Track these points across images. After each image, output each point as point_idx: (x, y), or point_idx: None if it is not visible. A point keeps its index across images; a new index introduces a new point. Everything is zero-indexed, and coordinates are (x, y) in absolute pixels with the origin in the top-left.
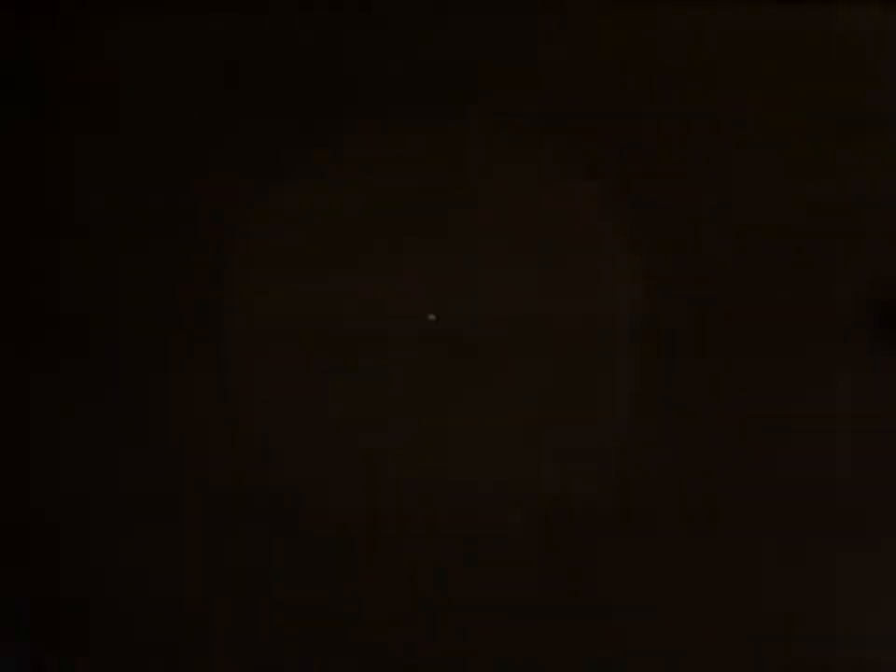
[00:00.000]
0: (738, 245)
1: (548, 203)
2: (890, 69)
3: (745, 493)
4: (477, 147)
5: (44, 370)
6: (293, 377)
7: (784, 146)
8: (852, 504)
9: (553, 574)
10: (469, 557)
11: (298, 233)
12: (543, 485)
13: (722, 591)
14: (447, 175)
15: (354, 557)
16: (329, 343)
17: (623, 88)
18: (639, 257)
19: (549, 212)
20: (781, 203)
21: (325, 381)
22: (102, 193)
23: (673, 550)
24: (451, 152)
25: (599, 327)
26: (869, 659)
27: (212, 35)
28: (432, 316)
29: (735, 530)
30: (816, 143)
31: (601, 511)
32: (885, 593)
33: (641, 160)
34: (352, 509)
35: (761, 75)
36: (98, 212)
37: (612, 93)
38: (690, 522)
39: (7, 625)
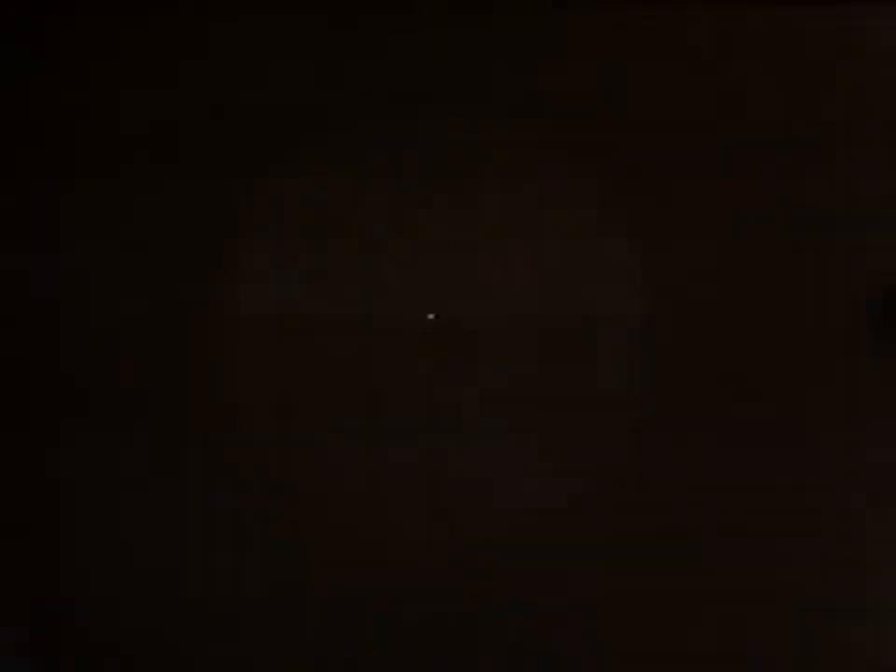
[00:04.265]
0: (738, 245)
1: (548, 203)
2: (890, 69)
3: (744, 492)
4: (477, 147)
5: (44, 366)
6: (292, 375)
7: (783, 145)
8: (852, 503)
9: (550, 576)
10: (466, 553)
11: (295, 233)
12: (543, 483)
13: (721, 590)
14: (446, 174)
15: (351, 552)
16: (328, 342)
17: (623, 88)
18: (639, 257)
19: (549, 212)
20: (780, 203)
21: (324, 379)
22: (105, 188)
23: (672, 550)
24: (450, 152)
25: (598, 327)
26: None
27: (215, 36)
28: (432, 316)
29: (734, 530)
30: (815, 143)
31: (601, 511)
32: (886, 594)
33: (641, 160)
34: (350, 505)
35: (761, 75)
36: (96, 209)
37: (613, 94)
38: (689, 522)
39: (7, 626)
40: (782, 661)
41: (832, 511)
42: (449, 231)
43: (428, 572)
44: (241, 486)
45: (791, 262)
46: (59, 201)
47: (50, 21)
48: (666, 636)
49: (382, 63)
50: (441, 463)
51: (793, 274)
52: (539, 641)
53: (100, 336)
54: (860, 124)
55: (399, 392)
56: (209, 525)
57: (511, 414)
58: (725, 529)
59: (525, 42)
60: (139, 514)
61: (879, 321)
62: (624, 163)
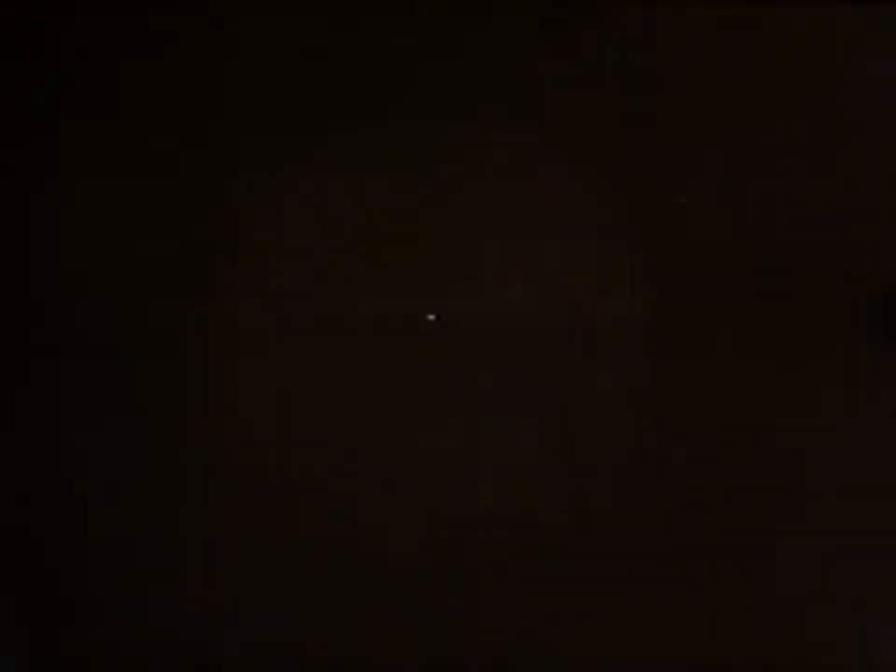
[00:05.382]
0: (738, 245)
1: (548, 202)
2: (890, 69)
3: (744, 493)
4: (477, 147)
5: (41, 364)
6: (293, 375)
7: (784, 146)
8: (853, 504)
9: (553, 572)
10: (467, 552)
11: (296, 232)
12: (543, 483)
13: (722, 588)
14: (446, 174)
15: (350, 552)
16: (329, 342)
17: (623, 88)
18: (639, 257)
19: (549, 212)
20: (781, 203)
21: (324, 379)
22: (105, 189)
23: (673, 549)
24: (450, 152)
25: (598, 327)
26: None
27: (215, 36)
28: (432, 316)
29: (734, 530)
30: (816, 143)
31: (601, 511)
32: (886, 594)
33: (642, 160)
34: (350, 505)
35: (761, 75)
36: (100, 207)
37: (613, 94)
38: (690, 522)
39: (7, 625)
40: (782, 660)
41: (832, 511)
42: (449, 230)
43: (428, 573)
44: (241, 486)
45: (791, 262)
46: (58, 201)
47: (50, 21)
48: (666, 636)
49: (382, 63)
50: (441, 463)
51: (793, 274)
52: (536, 642)
53: (99, 336)
54: (860, 124)
55: (398, 392)
56: (209, 525)
57: (511, 414)
58: (726, 530)
59: (525, 42)
60: (138, 515)
61: (879, 321)
62: (625, 163)
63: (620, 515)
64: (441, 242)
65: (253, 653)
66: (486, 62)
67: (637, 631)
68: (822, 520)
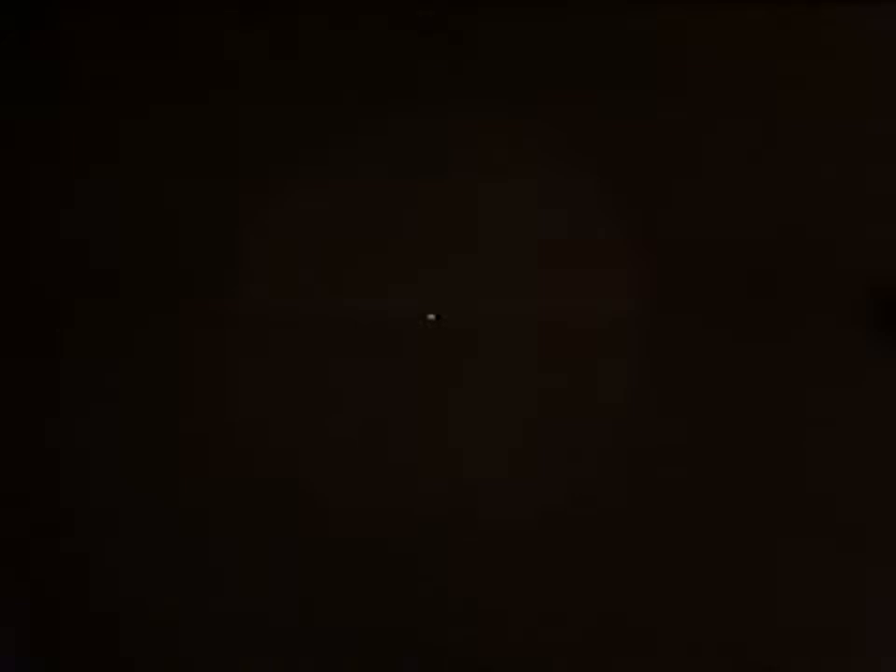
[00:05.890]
0: (737, 245)
1: (548, 202)
2: (890, 69)
3: (743, 494)
4: (477, 147)
5: (44, 365)
6: (292, 374)
7: (783, 145)
8: (852, 504)
9: (553, 572)
10: (469, 553)
11: (295, 232)
12: (544, 484)
13: (723, 588)
14: (446, 174)
15: (354, 555)
16: (330, 342)
17: (624, 87)
18: (639, 256)
19: (549, 211)
20: (782, 202)
21: (325, 380)
22: (116, 179)
23: (669, 547)
24: (450, 152)
25: (598, 327)
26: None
27: (215, 36)
28: (432, 316)
29: (731, 526)
30: (815, 142)
31: (600, 512)
32: (886, 594)
33: (642, 159)
34: (352, 504)
35: (764, 72)
36: (95, 209)
37: (613, 92)
38: (687, 518)
39: (7, 625)
40: (782, 661)
41: (831, 511)
42: (449, 230)
43: (427, 574)
44: (240, 486)
45: (791, 262)
46: (58, 201)
47: (52, 22)
48: (664, 641)
49: (382, 62)
50: (440, 463)
51: (793, 274)
52: (535, 644)
53: (99, 337)
54: (860, 124)
55: (398, 392)
56: (208, 525)
57: (511, 414)
58: (724, 532)
59: (526, 41)
60: (137, 517)
61: (879, 321)
62: (625, 162)
63: (618, 515)
64: (441, 241)
65: (252, 658)
66: (486, 61)
67: (634, 635)
68: (822, 520)
